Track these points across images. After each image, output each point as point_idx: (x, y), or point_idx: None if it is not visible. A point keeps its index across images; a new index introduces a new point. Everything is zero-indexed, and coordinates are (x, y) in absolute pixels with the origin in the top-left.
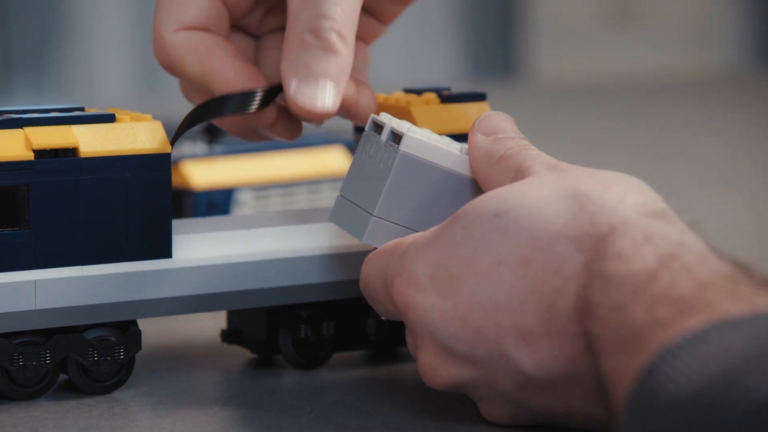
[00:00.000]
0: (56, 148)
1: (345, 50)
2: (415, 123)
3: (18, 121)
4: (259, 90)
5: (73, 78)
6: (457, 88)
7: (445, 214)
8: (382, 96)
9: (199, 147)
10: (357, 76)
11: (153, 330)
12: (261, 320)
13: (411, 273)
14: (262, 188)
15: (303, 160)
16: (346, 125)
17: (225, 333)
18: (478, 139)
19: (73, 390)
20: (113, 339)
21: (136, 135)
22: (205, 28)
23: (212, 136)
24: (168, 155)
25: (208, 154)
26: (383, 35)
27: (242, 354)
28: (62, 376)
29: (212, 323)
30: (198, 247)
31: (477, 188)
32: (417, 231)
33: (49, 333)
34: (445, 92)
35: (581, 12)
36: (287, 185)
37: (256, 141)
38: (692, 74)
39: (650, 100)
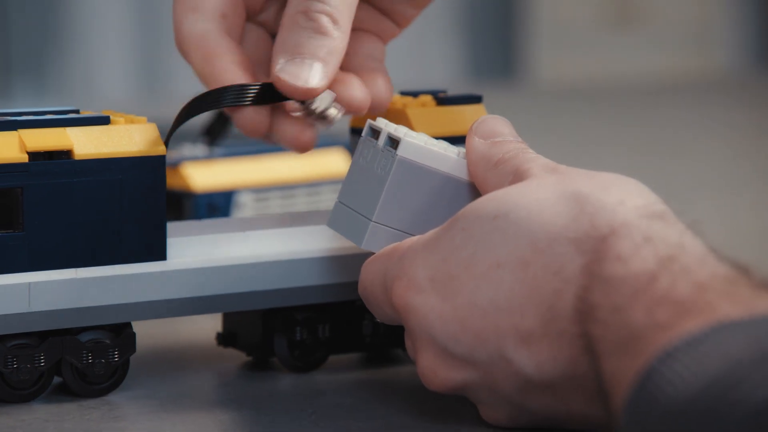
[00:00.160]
0: (50, 151)
1: (336, 33)
2: (411, 125)
3: (12, 123)
4: (255, 85)
5: (73, 80)
6: (457, 90)
7: (444, 218)
8: None
9: (200, 149)
10: (372, 64)
11: (148, 332)
12: (256, 323)
13: (410, 276)
14: (262, 190)
15: (303, 163)
16: (346, 127)
17: (220, 336)
18: (475, 142)
19: (68, 393)
20: (108, 341)
21: (130, 137)
22: (223, 18)
23: (212, 138)
24: (162, 157)
25: (209, 157)
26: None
27: (238, 357)
28: (56, 379)
29: (208, 325)
30: (192, 250)
31: (475, 192)
32: (416, 235)
33: (43, 335)
34: (441, 94)
35: (581, 14)
36: (287, 187)
37: (269, 143)
38: (692, 76)
39: (650, 101)
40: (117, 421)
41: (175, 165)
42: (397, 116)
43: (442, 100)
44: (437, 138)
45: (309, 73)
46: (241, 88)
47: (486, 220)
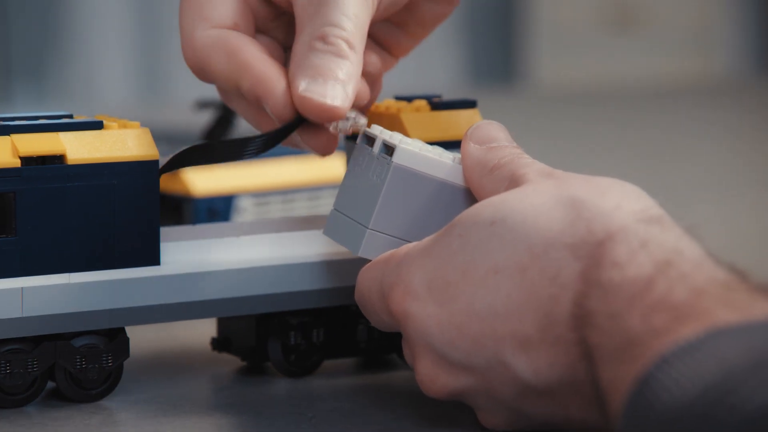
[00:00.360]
0: (43, 155)
1: (354, 57)
2: (405, 130)
3: (5, 128)
4: (259, 136)
5: (72, 84)
6: (458, 94)
7: (440, 224)
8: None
9: None
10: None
11: (143, 337)
12: (251, 328)
13: (407, 282)
14: (262, 195)
15: (303, 167)
16: None
17: (215, 340)
18: (471, 148)
19: (61, 398)
20: (101, 346)
21: (123, 142)
22: (235, 26)
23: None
24: (156, 162)
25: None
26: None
27: (232, 361)
28: (50, 384)
29: (203, 330)
30: (186, 255)
31: (471, 197)
32: (412, 242)
33: (36, 340)
34: (436, 99)
35: (581, 17)
36: (287, 192)
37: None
38: (692, 79)
39: (651, 105)
40: (116, 425)
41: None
42: (392, 121)
43: (437, 105)
44: (432, 143)
45: (334, 92)
46: (241, 142)
47: (483, 226)
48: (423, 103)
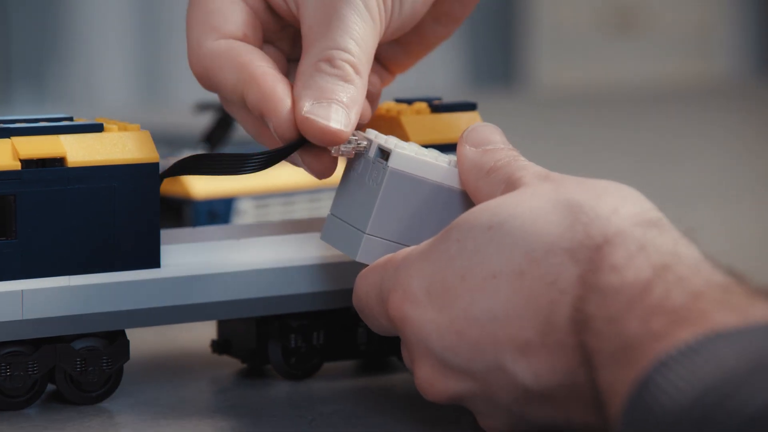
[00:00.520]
0: (43, 158)
1: (359, 82)
2: (405, 133)
3: (5, 131)
4: (259, 153)
5: (73, 86)
6: (458, 97)
7: (437, 227)
8: None
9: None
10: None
11: (143, 339)
12: (251, 330)
13: (406, 287)
14: (262, 197)
15: (303, 170)
16: None
17: (215, 343)
18: (466, 151)
19: (61, 400)
20: (101, 349)
21: (123, 144)
22: (244, 37)
23: (213, 144)
24: (156, 164)
25: None
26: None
27: (233, 364)
28: (50, 386)
29: (203, 332)
30: (186, 257)
31: (468, 200)
32: (410, 246)
33: (36, 343)
34: (436, 102)
35: (581, 20)
36: (288, 194)
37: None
38: (692, 83)
39: (650, 108)
40: (117, 428)
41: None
42: (392, 123)
43: (437, 107)
44: (432, 146)
45: (337, 116)
46: (240, 157)
47: (480, 231)
48: (423, 105)
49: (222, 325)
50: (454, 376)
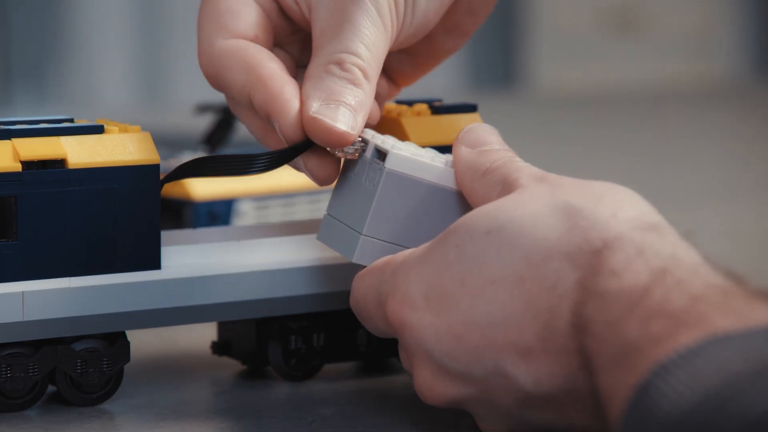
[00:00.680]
0: (44, 160)
1: (368, 87)
2: (406, 134)
3: (6, 133)
4: (264, 154)
5: (74, 88)
6: (458, 98)
7: (435, 228)
8: None
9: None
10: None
11: (144, 340)
12: (251, 331)
13: (404, 292)
14: (262, 199)
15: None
16: None
17: (215, 344)
18: (462, 152)
19: (62, 402)
20: (102, 350)
21: (124, 146)
22: (255, 38)
23: (213, 146)
24: (156, 166)
25: None
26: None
27: (233, 365)
28: (50, 388)
29: (203, 334)
30: (187, 259)
31: (465, 201)
32: (407, 247)
33: (37, 344)
34: (437, 103)
35: (581, 21)
36: (288, 196)
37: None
38: (693, 83)
39: (650, 109)
40: (117, 429)
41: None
42: (392, 125)
43: (438, 109)
44: (433, 147)
45: (345, 119)
46: (246, 158)
47: (479, 236)
48: (424, 107)
49: (222, 327)
50: (454, 380)
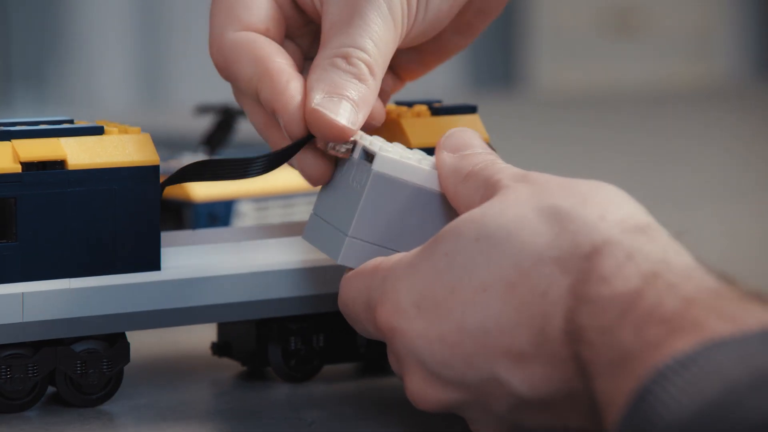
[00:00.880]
0: (44, 161)
1: (372, 83)
2: (406, 136)
3: (6, 134)
4: (262, 156)
5: (74, 89)
6: (458, 99)
7: (422, 230)
8: None
9: (200, 158)
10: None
11: (144, 341)
12: (251, 332)
13: (395, 300)
14: (262, 200)
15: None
16: None
17: (215, 345)
18: (444, 157)
19: (62, 402)
20: (101, 351)
21: (124, 147)
22: (266, 31)
23: (213, 147)
24: (156, 167)
25: None
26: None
27: (233, 366)
28: (50, 389)
29: (203, 335)
30: (187, 260)
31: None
32: (393, 249)
33: (37, 345)
34: (437, 104)
35: (581, 22)
36: (287, 197)
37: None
38: (693, 84)
39: (650, 110)
40: (117, 430)
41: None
42: (392, 126)
43: (437, 110)
44: (433, 148)
45: (346, 112)
46: (245, 161)
47: (468, 244)
48: (423, 108)
49: (222, 328)
50: (446, 386)
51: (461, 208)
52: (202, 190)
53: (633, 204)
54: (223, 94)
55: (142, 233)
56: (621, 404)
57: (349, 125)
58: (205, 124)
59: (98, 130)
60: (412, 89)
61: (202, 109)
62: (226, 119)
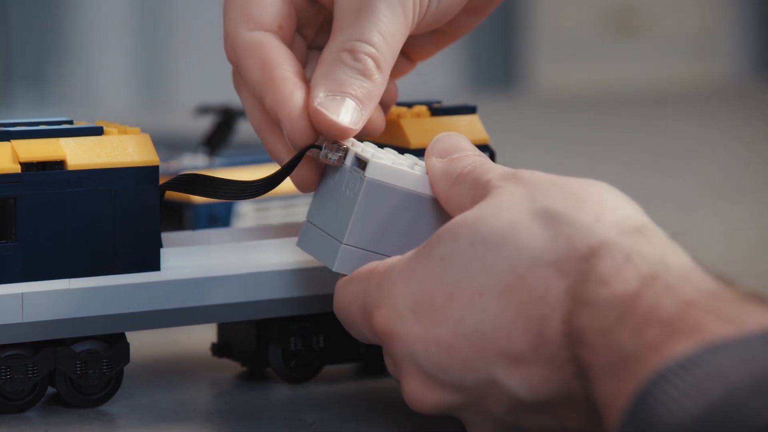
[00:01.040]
0: (43, 161)
1: (378, 78)
2: (405, 136)
3: (5, 134)
4: (259, 181)
5: (73, 90)
6: (458, 100)
7: (416, 235)
8: None
9: (200, 159)
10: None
11: (144, 342)
12: (251, 333)
13: (391, 305)
14: (262, 200)
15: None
16: None
17: (215, 346)
18: (434, 162)
19: (61, 403)
20: (101, 352)
21: (123, 148)
22: (279, 29)
23: (213, 148)
24: (156, 168)
25: (209, 167)
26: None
27: (233, 367)
28: (50, 389)
29: (203, 335)
30: (186, 260)
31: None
32: (388, 255)
33: (36, 346)
34: (436, 105)
35: (581, 23)
36: (288, 197)
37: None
38: (693, 85)
39: (650, 110)
40: (117, 431)
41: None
42: (392, 127)
43: (437, 110)
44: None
45: (348, 111)
46: (242, 185)
47: (463, 248)
48: (423, 108)
49: (222, 328)
50: (444, 390)
51: (454, 211)
52: None
53: (628, 204)
54: (223, 94)
55: (142, 234)
56: (621, 406)
57: (351, 125)
58: (205, 124)
59: (98, 131)
60: (411, 90)
61: (202, 110)
62: (226, 120)
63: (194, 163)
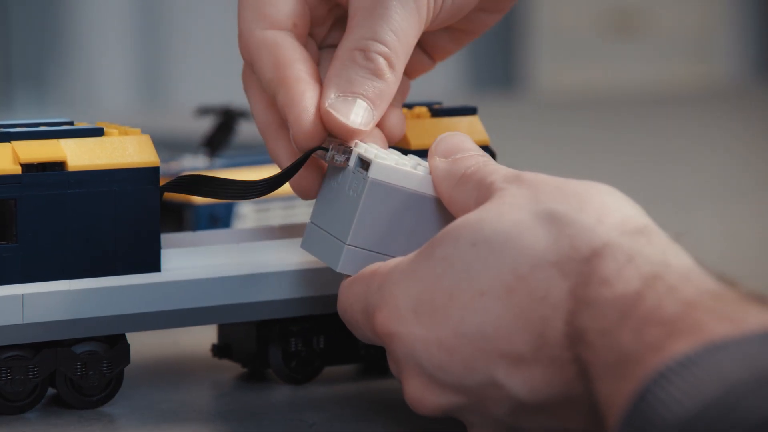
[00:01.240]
0: (44, 162)
1: (391, 77)
2: (406, 137)
3: (6, 135)
4: (262, 182)
5: (74, 91)
6: (458, 101)
7: (419, 236)
8: None
9: (201, 160)
10: (393, 103)
11: (144, 343)
12: (251, 334)
13: (393, 306)
14: (263, 201)
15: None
16: None
17: (215, 347)
18: (437, 162)
19: (62, 404)
20: (102, 353)
21: (124, 149)
22: (293, 27)
23: (213, 149)
24: (156, 169)
25: (210, 168)
26: None
27: (233, 368)
28: (50, 390)
29: (204, 336)
30: (187, 261)
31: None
32: (392, 255)
33: (37, 347)
34: (437, 106)
35: (582, 24)
36: (288, 198)
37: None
38: (692, 85)
39: (651, 111)
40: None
41: (177, 176)
42: None
43: (437, 111)
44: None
45: (359, 113)
46: (245, 185)
47: (465, 249)
48: (423, 109)
49: (222, 329)
50: (445, 391)
51: (457, 212)
52: None
53: (629, 205)
54: (223, 95)
55: (142, 235)
56: (622, 406)
57: (361, 126)
58: (205, 125)
59: (98, 132)
60: (412, 91)
61: (203, 111)
62: (226, 121)
63: (194, 164)
